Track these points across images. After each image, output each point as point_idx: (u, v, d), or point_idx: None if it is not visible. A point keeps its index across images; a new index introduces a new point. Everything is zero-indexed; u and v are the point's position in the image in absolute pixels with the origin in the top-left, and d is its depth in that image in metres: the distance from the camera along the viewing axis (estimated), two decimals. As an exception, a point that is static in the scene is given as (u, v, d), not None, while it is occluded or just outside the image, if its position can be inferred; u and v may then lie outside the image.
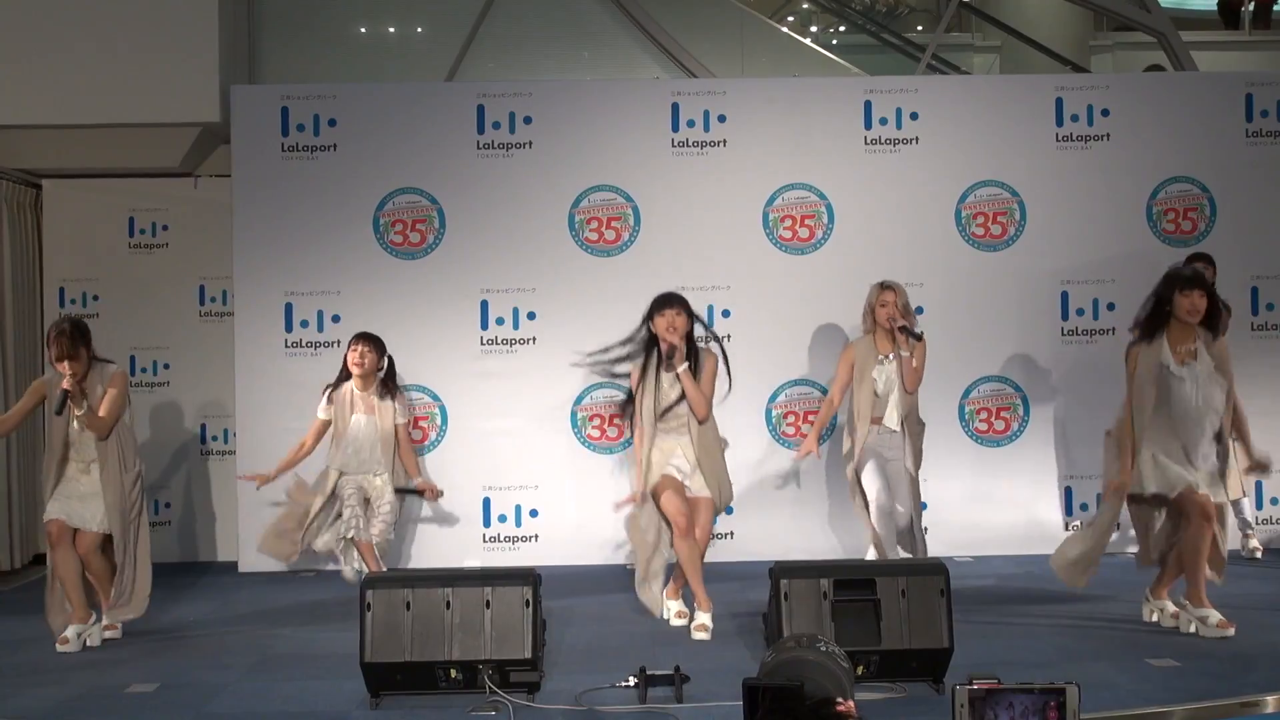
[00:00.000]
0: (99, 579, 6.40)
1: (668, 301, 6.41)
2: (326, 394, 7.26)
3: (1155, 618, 6.31)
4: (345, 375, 7.24)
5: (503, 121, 8.26)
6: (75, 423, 6.29)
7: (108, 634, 6.40)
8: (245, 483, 7.98)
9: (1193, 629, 6.05)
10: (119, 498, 6.31)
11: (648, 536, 6.43)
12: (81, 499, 6.33)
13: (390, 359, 7.34)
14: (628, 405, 6.66)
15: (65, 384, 6.12)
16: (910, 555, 7.00)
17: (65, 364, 6.15)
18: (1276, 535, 8.29)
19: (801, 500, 8.15)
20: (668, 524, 6.38)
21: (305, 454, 7.29)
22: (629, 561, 6.74)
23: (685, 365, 6.34)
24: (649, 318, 6.45)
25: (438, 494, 7.41)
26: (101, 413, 6.24)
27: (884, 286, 7.00)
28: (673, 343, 6.32)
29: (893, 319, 6.90)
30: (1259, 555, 7.92)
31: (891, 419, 6.95)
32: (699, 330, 6.57)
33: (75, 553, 6.33)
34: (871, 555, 6.99)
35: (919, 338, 6.95)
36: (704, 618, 6.29)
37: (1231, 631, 5.96)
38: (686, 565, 6.37)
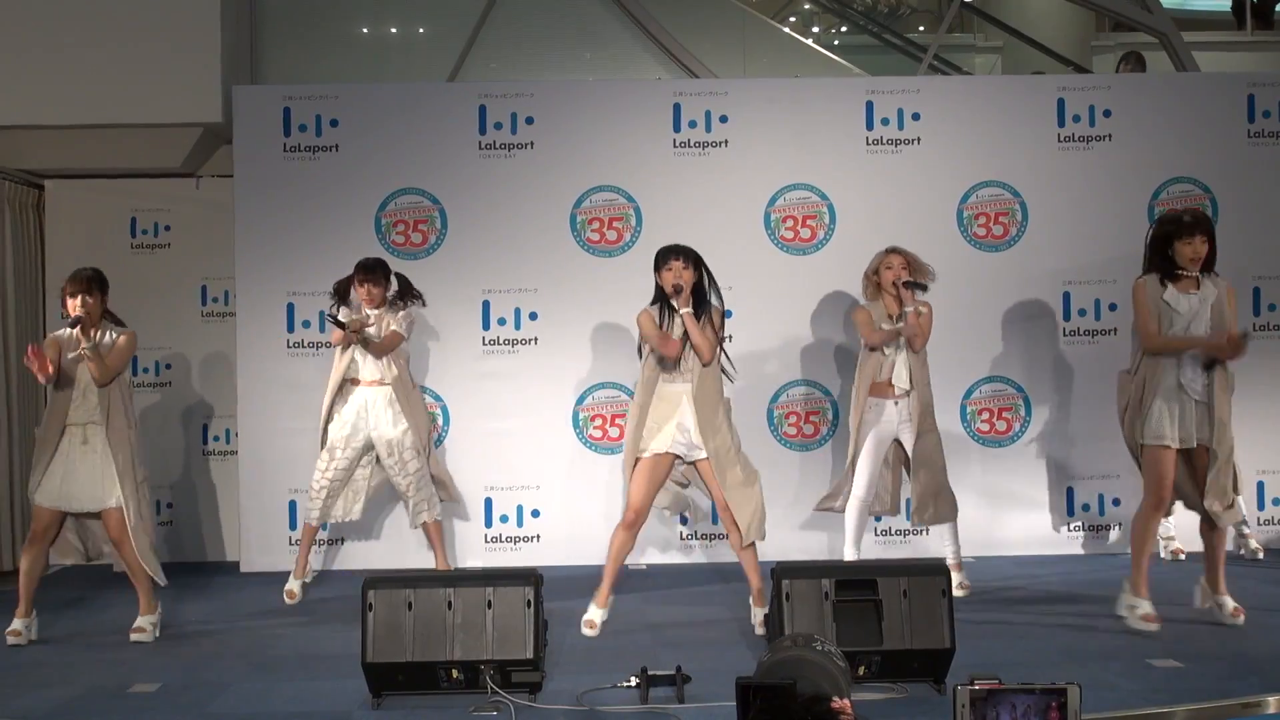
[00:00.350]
0: (136, 571, 6.37)
1: (672, 253, 6.36)
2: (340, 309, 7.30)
3: (1207, 605, 6.30)
4: (339, 293, 7.33)
5: (504, 122, 8.26)
6: (81, 371, 6.27)
7: (135, 637, 6.35)
8: (247, 484, 8.02)
9: (1121, 613, 6.19)
10: (129, 454, 6.28)
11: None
12: (85, 478, 6.28)
13: (399, 276, 7.37)
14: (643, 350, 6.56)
15: (75, 311, 6.23)
16: (942, 518, 7.08)
17: (78, 299, 6.25)
18: (1276, 536, 8.28)
19: (803, 501, 8.13)
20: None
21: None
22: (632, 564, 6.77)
23: (689, 309, 6.27)
24: (655, 270, 6.41)
25: (358, 329, 7.17)
26: (107, 359, 6.26)
27: (890, 251, 7.07)
28: (677, 283, 6.27)
29: (898, 278, 6.96)
30: (1260, 556, 7.90)
31: (901, 379, 6.99)
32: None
33: (47, 553, 6.42)
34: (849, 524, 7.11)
35: (924, 288, 7.02)
36: (597, 614, 6.39)
37: (1155, 628, 6.07)
38: (612, 556, 6.41)
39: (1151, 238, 6.28)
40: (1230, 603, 6.22)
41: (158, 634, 6.42)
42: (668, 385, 6.37)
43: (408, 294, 7.40)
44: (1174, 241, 6.13)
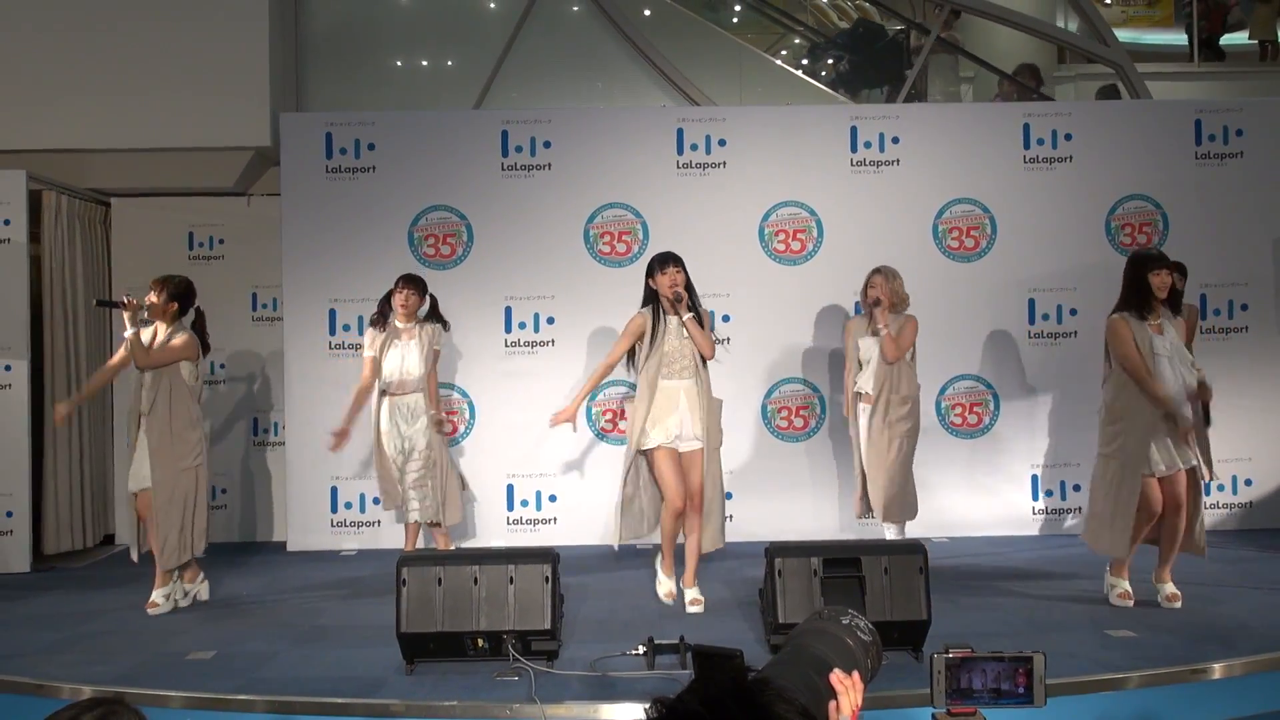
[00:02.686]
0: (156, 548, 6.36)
1: (668, 259, 6.24)
2: (371, 331, 7.05)
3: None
4: (383, 312, 7.05)
5: (525, 145, 8.26)
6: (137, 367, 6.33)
7: (151, 611, 6.31)
8: (293, 472, 8.03)
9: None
10: (168, 442, 6.26)
11: (641, 496, 6.41)
12: (139, 459, 6.35)
13: (432, 297, 7.16)
14: (631, 354, 6.39)
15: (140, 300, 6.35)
16: (892, 521, 6.91)
17: (151, 288, 6.41)
18: (1230, 518, 8.25)
19: (793, 486, 8.14)
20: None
21: (366, 389, 7.03)
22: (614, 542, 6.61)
23: (691, 314, 6.16)
24: (650, 275, 6.27)
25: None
26: (154, 349, 6.29)
27: (874, 271, 6.98)
28: (679, 290, 6.14)
29: (876, 300, 6.87)
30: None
31: (866, 385, 6.89)
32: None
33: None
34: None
35: (877, 303, 6.86)
36: (691, 593, 6.26)
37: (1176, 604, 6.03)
38: (666, 540, 6.35)
39: (1129, 274, 6.13)
40: (1169, 588, 6.11)
41: (171, 606, 6.37)
42: (668, 382, 6.21)
43: (436, 313, 7.19)
44: (1147, 273, 6.02)
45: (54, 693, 4.96)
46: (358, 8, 9.30)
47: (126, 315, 6.26)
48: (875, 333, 6.88)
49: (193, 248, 8.73)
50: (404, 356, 6.96)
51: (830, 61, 10.16)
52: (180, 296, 6.47)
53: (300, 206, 8.20)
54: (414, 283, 7.09)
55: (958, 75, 10.75)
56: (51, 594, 6.97)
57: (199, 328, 6.59)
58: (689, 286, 6.23)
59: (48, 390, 7.99)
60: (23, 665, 5.32)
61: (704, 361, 6.25)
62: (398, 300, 7.02)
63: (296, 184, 8.21)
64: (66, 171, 8.25)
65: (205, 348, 6.63)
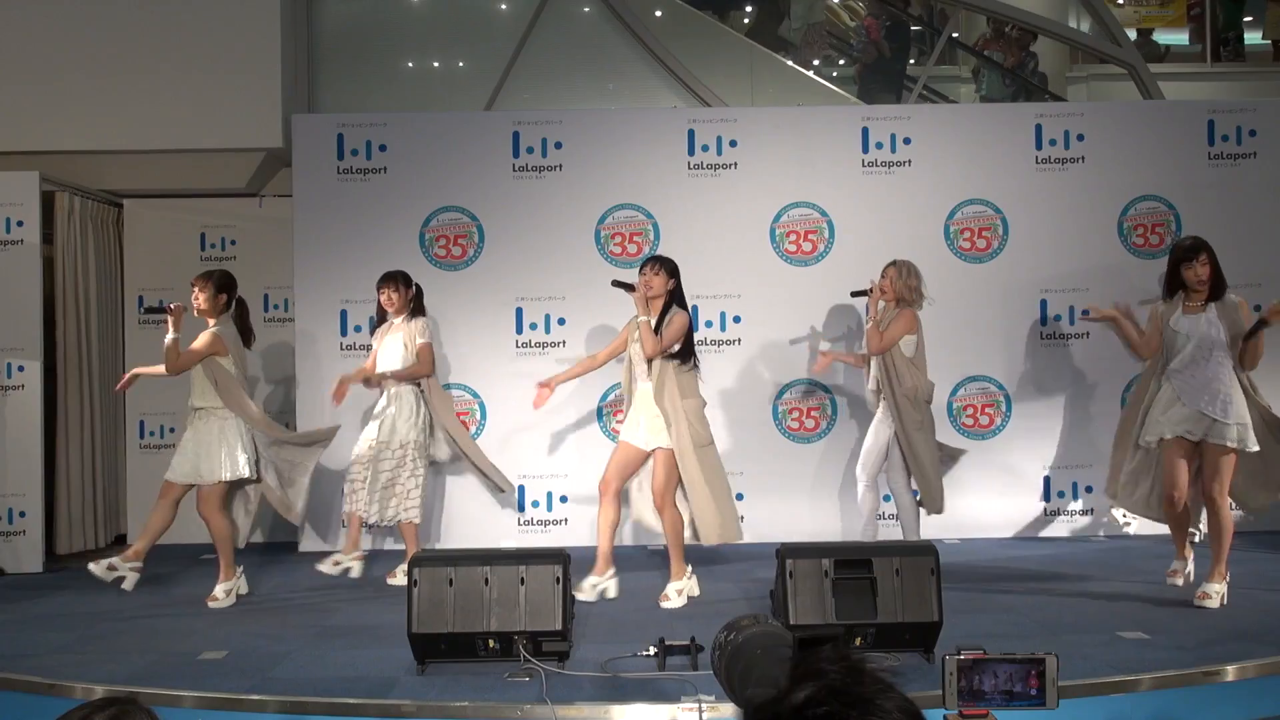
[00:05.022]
0: (217, 540, 6.52)
1: (646, 261, 6.55)
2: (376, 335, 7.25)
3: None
4: (382, 315, 7.20)
5: (536, 147, 8.27)
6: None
7: (213, 604, 6.54)
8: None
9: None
10: (215, 435, 6.42)
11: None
12: (189, 453, 6.46)
13: (418, 286, 7.24)
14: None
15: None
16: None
17: (194, 286, 6.53)
18: (1244, 520, 8.21)
19: (806, 488, 8.13)
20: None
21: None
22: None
23: (645, 318, 6.38)
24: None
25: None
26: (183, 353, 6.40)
27: (890, 264, 7.07)
28: (630, 283, 6.45)
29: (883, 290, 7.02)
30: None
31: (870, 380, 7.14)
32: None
33: (219, 517, 6.52)
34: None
35: (863, 293, 7.11)
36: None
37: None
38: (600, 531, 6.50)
39: (1167, 266, 6.22)
40: (1203, 585, 6.09)
41: (231, 600, 6.56)
42: (637, 384, 6.51)
43: (418, 302, 7.27)
44: (1179, 266, 6.09)
45: (67, 692, 4.98)
46: (369, 9, 9.33)
47: (170, 321, 6.37)
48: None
49: (205, 249, 8.76)
50: (388, 346, 7.14)
51: None
52: (226, 287, 6.60)
53: (312, 207, 8.22)
54: (394, 279, 7.15)
55: (825, 7, 10.74)
56: (64, 594, 7.00)
57: (240, 318, 6.69)
58: (675, 290, 6.47)
59: (60, 391, 8.02)
60: (36, 665, 5.34)
61: (656, 362, 6.39)
62: (383, 300, 7.14)
63: (308, 185, 8.23)
64: (79, 173, 8.29)
65: (247, 337, 6.74)
